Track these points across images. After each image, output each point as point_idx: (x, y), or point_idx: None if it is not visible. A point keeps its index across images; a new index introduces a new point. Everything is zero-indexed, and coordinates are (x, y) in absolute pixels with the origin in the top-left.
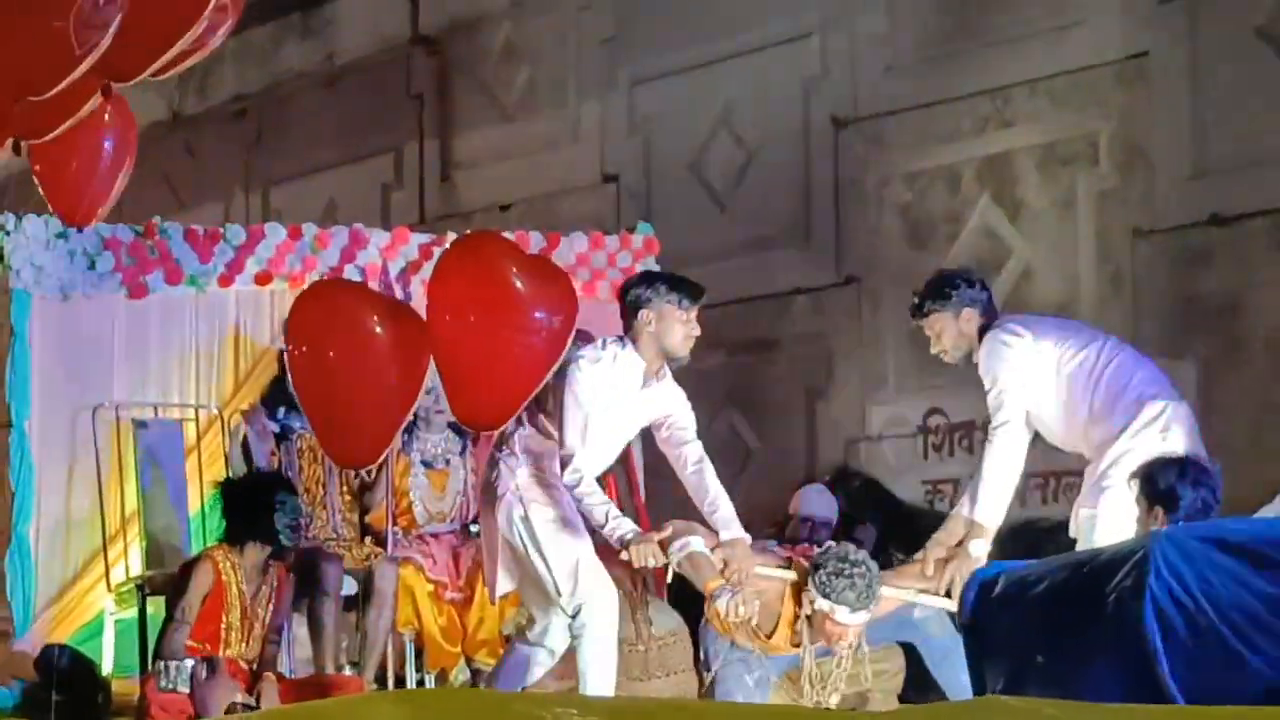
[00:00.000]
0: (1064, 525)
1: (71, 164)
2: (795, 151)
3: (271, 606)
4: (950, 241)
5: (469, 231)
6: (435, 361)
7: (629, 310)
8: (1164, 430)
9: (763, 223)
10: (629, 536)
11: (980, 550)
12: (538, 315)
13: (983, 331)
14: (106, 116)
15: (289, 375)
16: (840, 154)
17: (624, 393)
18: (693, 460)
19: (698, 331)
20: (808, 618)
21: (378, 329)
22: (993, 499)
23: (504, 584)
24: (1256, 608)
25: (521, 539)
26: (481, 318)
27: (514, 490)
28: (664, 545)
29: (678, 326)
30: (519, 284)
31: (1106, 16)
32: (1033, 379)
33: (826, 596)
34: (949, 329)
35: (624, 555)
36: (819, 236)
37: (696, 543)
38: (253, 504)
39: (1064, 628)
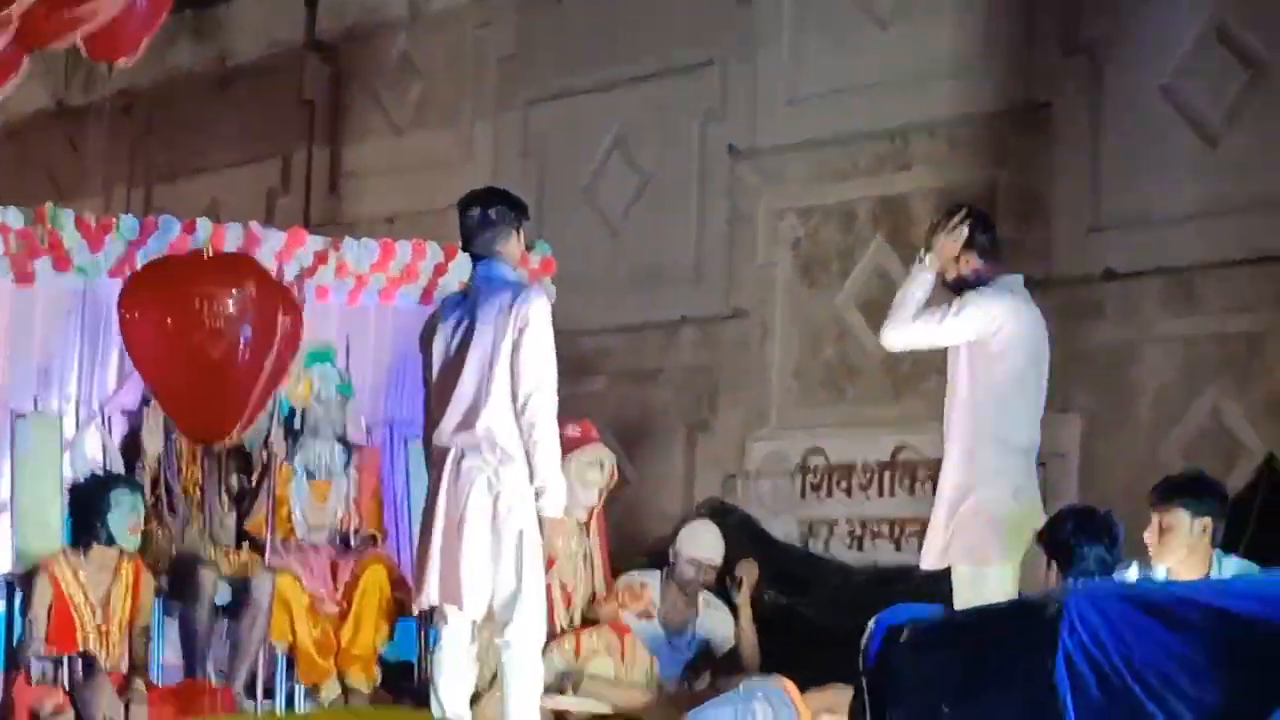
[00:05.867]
0: (941, 574)
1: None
2: (690, 181)
3: (129, 604)
4: (842, 279)
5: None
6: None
7: (502, 228)
8: None
9: (654, 251)
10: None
11: None
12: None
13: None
14: None
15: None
16: (735, 185)
17: None
18: None
19: None
20: None
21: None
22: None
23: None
24: (1172, 669)
25: (519, 540)
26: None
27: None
28: None
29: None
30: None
31: (1011, 63)
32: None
33: None
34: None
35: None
36: (710, 267)
37: None
38: (87, 506)
39: (971, 679)
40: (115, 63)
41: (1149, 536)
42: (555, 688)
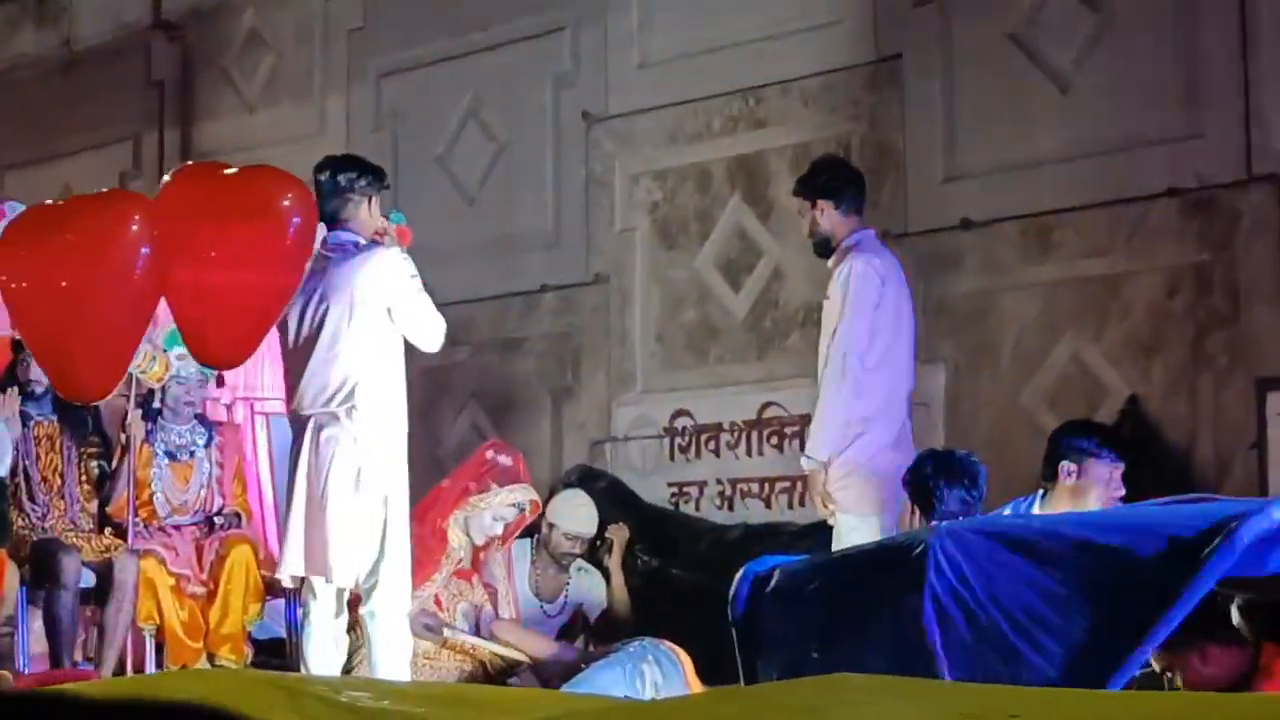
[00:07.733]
0: (811, 530)
1: None
2: (545, 148)
3: None
4: (701, 240)
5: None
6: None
7: (352, 195)
8: None
9: (511, 219)
10: None
11: None
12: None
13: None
14: None
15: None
16: (590, 151)
17: None
18: None
19: None
20: None
21: None
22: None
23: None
24: (1038, 603)
25: (383, 507)
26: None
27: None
28: None
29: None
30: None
31: (860, 18)
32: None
33: None
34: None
35: None
36: (569, 233)
37: None
38: None
39: (840, 623)
40: None
41: (1065, 480)
42: (467, 630)
